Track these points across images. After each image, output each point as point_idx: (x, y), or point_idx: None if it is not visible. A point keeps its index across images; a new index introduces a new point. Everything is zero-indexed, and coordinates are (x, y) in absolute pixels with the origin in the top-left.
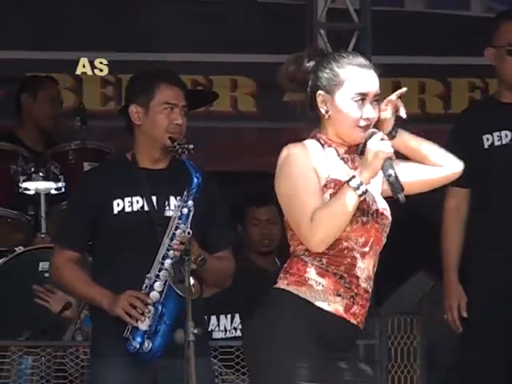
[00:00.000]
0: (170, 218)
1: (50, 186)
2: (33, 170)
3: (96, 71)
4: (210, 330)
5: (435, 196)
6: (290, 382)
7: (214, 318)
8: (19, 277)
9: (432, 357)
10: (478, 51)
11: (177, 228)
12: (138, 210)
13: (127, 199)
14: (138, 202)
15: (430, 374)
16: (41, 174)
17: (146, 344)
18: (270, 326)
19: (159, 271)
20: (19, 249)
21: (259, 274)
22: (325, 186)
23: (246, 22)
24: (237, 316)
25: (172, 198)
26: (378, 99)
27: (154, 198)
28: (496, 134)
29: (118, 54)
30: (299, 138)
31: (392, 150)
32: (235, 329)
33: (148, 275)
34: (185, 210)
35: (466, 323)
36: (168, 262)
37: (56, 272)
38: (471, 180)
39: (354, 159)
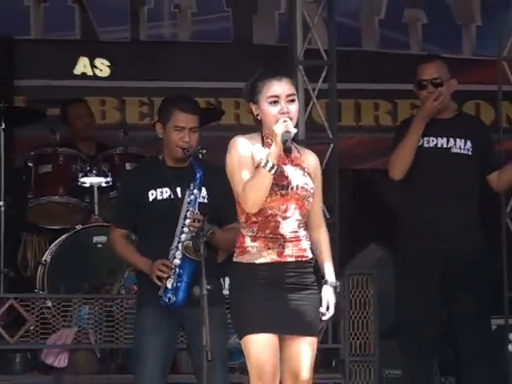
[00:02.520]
0: None
1: (101, 180)
2: (88, 168)
3: (96, 71)
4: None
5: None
6: (249, 325)
7: (227, 279)
8: (79, 247)
9: (382, 306)
10: None
11: (187, 210)
12: (166, 198)
13: (159, 190)
14: (166, 192)
15: (380, 318)
16: (94, 171)
17: (172, 299)
18: (231, 290)
19: (178, 243)
20: (78, 227)
21: None
22: (257, 166)
23: (245, 59)
24: None
25: (193, 189)
26: (294, 98)
27: (178, 189)
28: (426, 138)
29: (151, 82)
30: None
31: (292, 130)
32: None
33: (171, 247)
34: (192, 197)
35: (399, 279)
36: (183, 236)
37: (112, 244)
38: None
39: None
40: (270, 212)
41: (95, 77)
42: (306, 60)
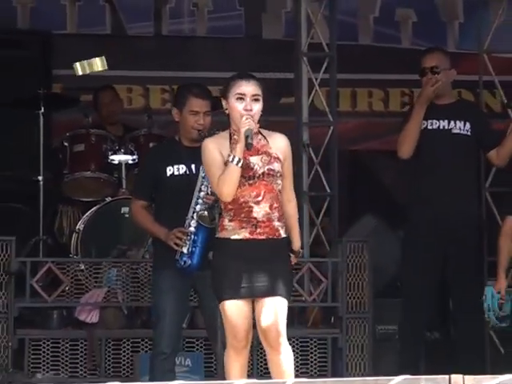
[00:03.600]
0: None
1: (128, 158)
2: (117, 147)
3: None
4: None
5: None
6: (223, 292)
7: None
8: (108, 217)
9: (376, 269)
10: (407, 70)
11: (202, 184)
12: (182, 174)
13: (176, 166)
14: (182, 168)
15: (374, 280)
16: (122, 150)
17: (187, 262)
18: (211, 262)
19: (193, 213)
20: (108, 199)
21: None
22: (226, 162)
23: (255, 52)
24: None
25: None
26: (258, 98)
27: (192, 166)
28: (429, 121)
29: (172, 72)
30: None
31: (252, 126)
32: None
33: (187, 216)
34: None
35: (406, 243)
36: (198, 207)
37: (133, 215)
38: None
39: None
40: (242, 200)
41: (122, 67)
42: (309, 52)
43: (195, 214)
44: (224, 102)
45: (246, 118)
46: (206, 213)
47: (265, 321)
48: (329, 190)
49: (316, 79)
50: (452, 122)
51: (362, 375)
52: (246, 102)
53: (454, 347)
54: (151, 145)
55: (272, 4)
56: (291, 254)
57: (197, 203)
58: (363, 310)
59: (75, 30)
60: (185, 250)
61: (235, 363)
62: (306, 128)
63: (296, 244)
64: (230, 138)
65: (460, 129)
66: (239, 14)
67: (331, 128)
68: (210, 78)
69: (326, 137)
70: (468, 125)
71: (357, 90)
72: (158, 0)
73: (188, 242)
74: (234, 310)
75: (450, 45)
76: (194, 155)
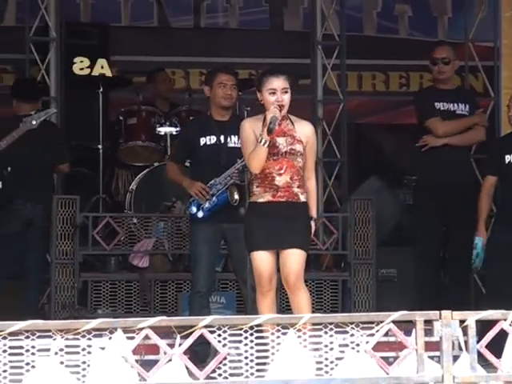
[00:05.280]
0: (231, 147)
1: (172, 129)
2: (163, 121)
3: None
4: None
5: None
6: (252, 244)
7: None
8: (156, 179)
9: (378, 222)
10: (404, 57)
11: (243, 161)
12: (213, 143)
13: (208, 137)
14: (213, 138)
15: (377, 232)
16: (167, 123)
17: (199, 213)
18: (244, 220)
19: (225, 180)
20: (156, 164)
21: None
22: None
23: (279, 41)
24: None
25: (232, 137)
26: (287, 91)
27: (221, 137)
28: (439, 104)
29: (208, 58)
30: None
31: (277, 115)
32: None
33: (217, 179)
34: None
35: (416, 202)
36: (231, 181)
37: (167, 171)
38: None
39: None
40: (267, 171)
41: (167, 53)
42: (323, 41)
43: (226, 184)
44: (259, 94)
45: (274, 108)
46: (236, 193)
47: (287, 270)
48: (339, 157)
49: (329, 64)
50: (455, 105)
51: (367, 311)
52: (277, 95)
53: (445, 288)
54: (191, 118)
55: (292, 1)
56: (312, 221)
57: (231, 177)
58: (368, 257)
59: (128, 23)
60: (207, 205)
61: (263, 303)
62: (321, 105)
63: (313, 212)
64: (264, 122)
65: (462, 110)
66: (265, 10)
67: (341, 105)
68: (239, 63)
69: (336, 112)
70: (467, 107)
71: (362, 74)
72: None
73: (209, 200)
74: (260, 260)
75: (441, 35)
76: (223, 128)
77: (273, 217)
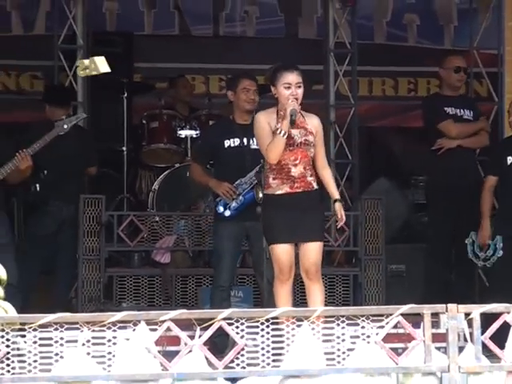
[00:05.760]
0: (254, 149)
1: (192, 133)
2: (183, 124)
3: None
4: None
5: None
6: (272, 237)
7: None
8: (177, 179)
9: (387, 220)
10: (412, 63)
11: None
12: (237, 146)
13: (232, 139)
14: (237, 141)
15: (387, 230)
16: (188, 126)
17: (226, 212)
18: (262, 213)
19: (251, 180)
20: (177, 165)
21: None
22: (274, 132)
23: (293, 49)
24: None
25: (254, 139)
26: (300, 85)
27: (244, 139)
28: (449, 109)
29: (227, 64)
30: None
31: (296, 107)
32: None
33: (243, 179)
34: None
35: (430, 202)
36: (255, 181)
37: (190, 173)
38: None
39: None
40: (283, 162)
41: (187, 60)
42: (335, 49)
43: (252, 183)
44: (273, 88)
45: (292, 101)
46: (261, 192)
47: (309, 262)
48: (351, 158)
49: (340, 70)
50: (462, 110)
51: (377, 304)
52: (291, 89)
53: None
54: (210, 122)
55: (306, 10)
56: (336, 205)
57: (256, 177)
58: (378, 253)
59: (151, 31)
60: (234, 204)
61: (282, 291)
62: (333, 109)
63: (336, 195)
64: (277, 114)
65: (468, 115)
66: (280, 19)
67: (352, 109)
68: (256, 69)
69: (348, 116)
70: (472, 112)
71: (373, 79)
72: (216, 7)
73: (237, 200)
74: (281, 251)
75: (447, 43)
76: (246, 130)
77: (290, 209)
